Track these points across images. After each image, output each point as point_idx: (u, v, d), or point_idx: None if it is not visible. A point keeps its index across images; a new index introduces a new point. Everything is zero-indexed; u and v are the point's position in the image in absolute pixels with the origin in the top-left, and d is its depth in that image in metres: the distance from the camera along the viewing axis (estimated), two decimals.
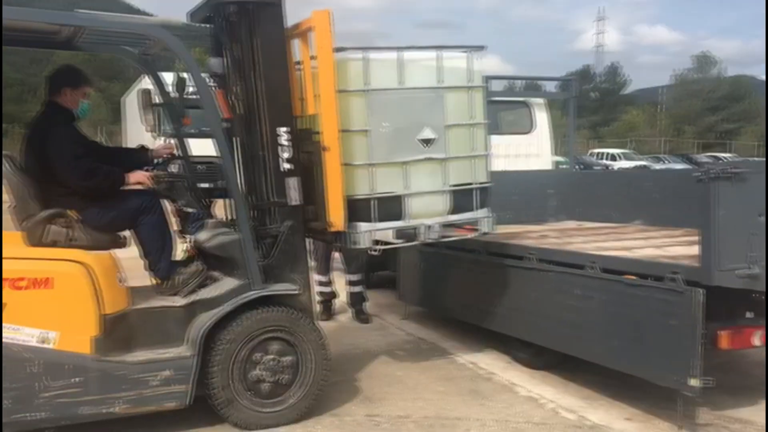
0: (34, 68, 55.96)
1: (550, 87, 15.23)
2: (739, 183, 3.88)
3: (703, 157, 38.09)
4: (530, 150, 8.76)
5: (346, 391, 4.82)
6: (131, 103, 24.82)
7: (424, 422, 4.35)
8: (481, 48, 4.80)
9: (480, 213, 4.89)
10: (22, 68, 56.12)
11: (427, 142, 4.63)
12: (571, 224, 6.98)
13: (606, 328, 4.53)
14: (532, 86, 29.04)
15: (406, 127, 4.59)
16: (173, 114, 4.73)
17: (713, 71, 69.55)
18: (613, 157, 39.26)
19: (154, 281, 4.49)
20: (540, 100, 9.24)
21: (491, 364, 5.57)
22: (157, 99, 4.82)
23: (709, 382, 3.93)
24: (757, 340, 4.29)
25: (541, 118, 9.16)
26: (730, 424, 4.34)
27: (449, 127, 4.70)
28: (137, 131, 21.48)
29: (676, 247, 4.93)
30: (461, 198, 4.80)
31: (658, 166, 31.15)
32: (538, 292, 5.07)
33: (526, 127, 8.99)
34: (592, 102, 73.70)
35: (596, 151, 44.18)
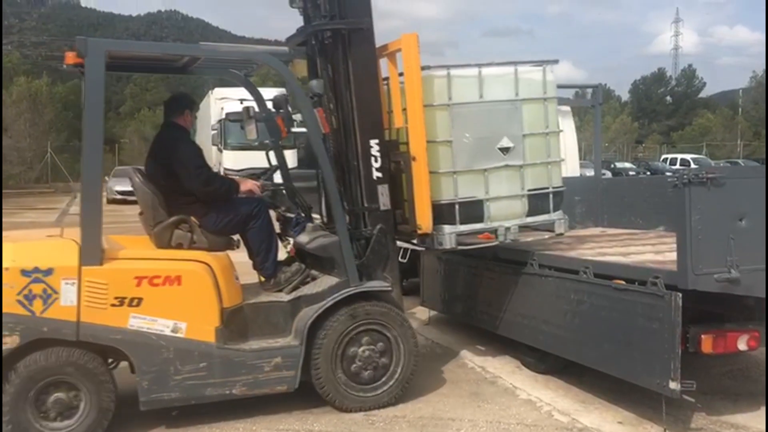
0: (117, 86, 58.69)
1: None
2: (715, 188, 3.93)
3: None
4: None
5: None
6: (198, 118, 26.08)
7: (418, 422, 4.47)
8: (555, 61, 5.19)
9: (555, 215, 5.26)
10: (107, 86, 58.84)
11: (505, 150, 5.03)
12: (595, 231, 6.92)
13: (597, 332, 4.57)
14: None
15: (486, 137, 5.00)
16: (271, 127, 5.23)
17: None
18: (686, 163, 38.33)
19: (260, 279, 5.02)
20: (565, 108, 9.13)
21: (499, 368, 5.58)
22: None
23: (691, 386, 3.95)
24: (743, 344, 4.26)
25: (567, 126, 8.90)
26: (724, 429, 4.33)
27: (526, 136, 5.09)
28: (203, 144, 22.57)
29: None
30: (537, 201, 5.18)
31: None
32: (539, 297, 5.11)
33: None
34: (665, 106, 72.02)
35: (668, 156, 43.21)
